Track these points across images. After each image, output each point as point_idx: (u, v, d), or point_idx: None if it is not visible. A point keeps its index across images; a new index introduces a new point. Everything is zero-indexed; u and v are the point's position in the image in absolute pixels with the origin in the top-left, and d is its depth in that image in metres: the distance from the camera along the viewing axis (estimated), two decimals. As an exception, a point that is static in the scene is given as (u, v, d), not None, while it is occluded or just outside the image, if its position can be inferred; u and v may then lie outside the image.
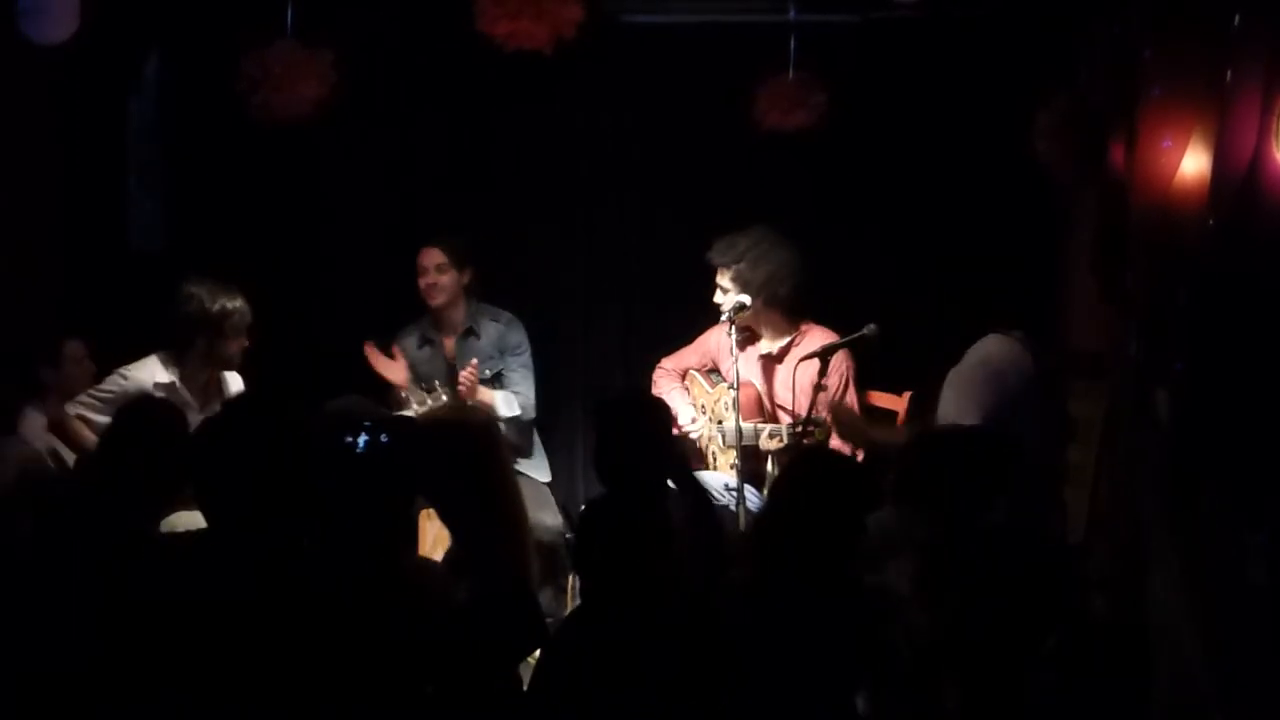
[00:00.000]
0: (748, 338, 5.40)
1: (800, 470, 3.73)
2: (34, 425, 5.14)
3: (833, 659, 3.41)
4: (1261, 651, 3.38)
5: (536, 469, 5.81)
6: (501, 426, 5.62)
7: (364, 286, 6.31)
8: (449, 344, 5.76)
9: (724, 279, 5.33)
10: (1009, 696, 3.11)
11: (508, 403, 5.64)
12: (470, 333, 5.74)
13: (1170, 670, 3.88)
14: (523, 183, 6.33)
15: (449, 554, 3.67)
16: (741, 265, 5.29)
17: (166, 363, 5.15)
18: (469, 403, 5.46)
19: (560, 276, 6.35)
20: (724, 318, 5.27)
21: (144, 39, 6.22)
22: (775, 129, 5.75)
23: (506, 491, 3.62)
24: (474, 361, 5.51)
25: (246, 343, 5.20)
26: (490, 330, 5.76)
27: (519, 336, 5.78)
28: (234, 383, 5.33)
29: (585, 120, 6.34)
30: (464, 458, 3.57)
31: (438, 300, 5.70)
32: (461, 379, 5.41)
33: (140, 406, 4.07)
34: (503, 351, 5.75)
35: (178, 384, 5.12)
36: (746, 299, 5.27)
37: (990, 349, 4.66)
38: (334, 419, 4.12)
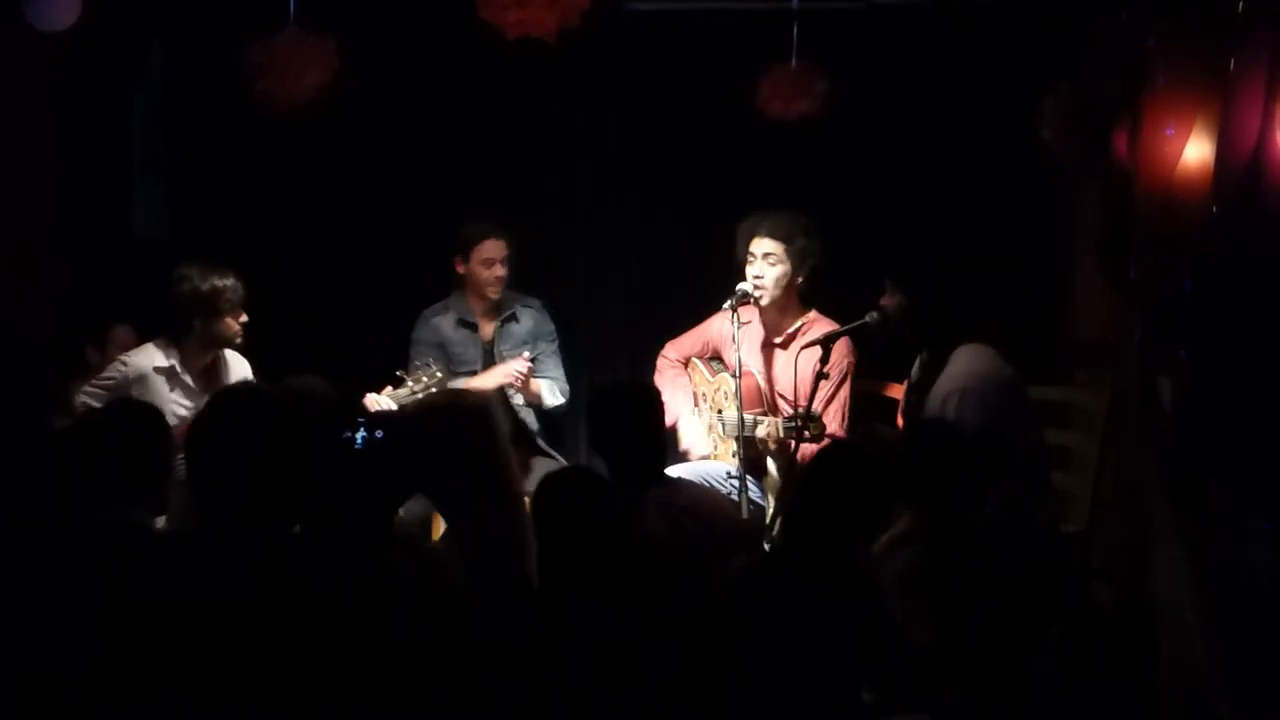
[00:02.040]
0: (751, 325, 5.39)
1: (827, 464, 3.71)
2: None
3: (838, 653, 3.41)
4: (1265, 640, 3.38)
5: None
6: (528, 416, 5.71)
7: (368, 274, 6.32)
8: (487, 329, 5.77)
9: (778, 249, 5.27)
10: (1008, 691, 3.11)
11: (552, 391, 5.74)
12: (511, 318, 5.78)
13: (1174, 659, 3.89)
14: (524, 170, 6.33)
15: (441, 541, 3.66)
16: (803, 242, 5.29)
17: (166, 347, 5.13)
18: (521, 394, 5.59)
19: (562, 265, 6.36)
20: (727, 305, 5.26)
21: (147, 27, 6.22)
22: (777, 117, 5.74)
23: (505, 474, 3.60)
24: (525, 355, 5.59)
25: (245, 317, 5.16)
26: (526, 317, 5.80)
27: (550, 324, 5.86)
28: (236, 364, 5.30)
29: (587, 108, 6.34)
30: (460, 443, 3.54)
31: (498, 293, 5.72)
32: (517, 373, 5.49)
33: (114, 411, 4.07)
34: (536, 338, 5.80)
35: (178, 368, 5.11)
36: (749, 287, 5.26)
37: (973, 366, 4.59)
38: (292, 398, 4.12)
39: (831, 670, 3.40)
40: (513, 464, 3.66)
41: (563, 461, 5.72)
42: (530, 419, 5.76)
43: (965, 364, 4.56)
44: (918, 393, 4.70)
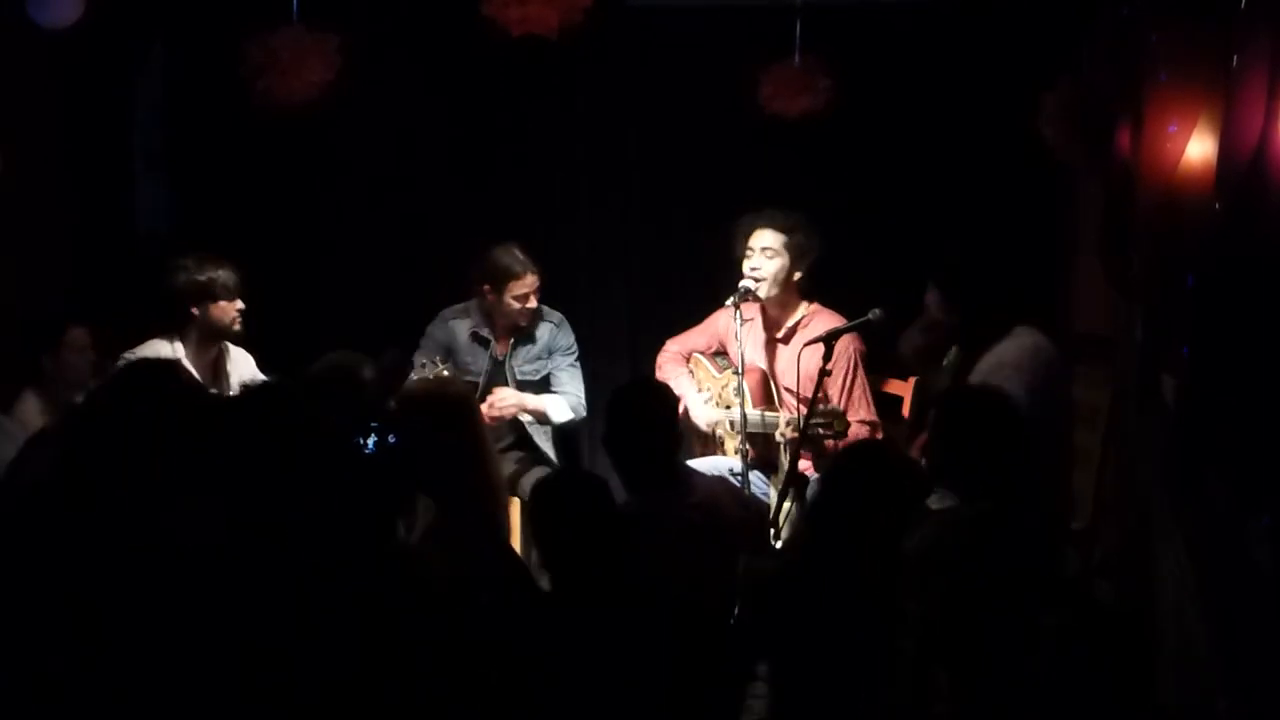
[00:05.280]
0: (754, 322, 5.40)
1: (851, 466, 3.70)
2: (31, 409, 5.14)
3: (860, 654, 3.41)
4: (1265, 634, 3.39)
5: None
6: (545, 429, 5.67)
7: (369, 270, 6.33)
8: (501, 346, 5.67)
9: (775, 243, 5.28)
10: (1009, 688, 3.12)
11: (558, 408, 5.61)
12: (528, 337, 5.68)
13: (1175, 653, 3.90)
14: (527, 167, 6.33)
15: (430, 525, 3.68)
16: (800, 235, 5.30)
17: (170, 341, 5.16)
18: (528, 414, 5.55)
19: (563, 263, 6.36)
20: (729, 302, 5.27)
21: (150, 22, 6.23)
22: (780, 114, 5.74)
23: (484, 463, 3.65)
24: (491, 400, 5.48)
25: (242, 305, 5.18)
26: (544, 331, 5.69)
27: (569, 338, 5.73)
28: (240, 359, 5.32)
29: (589, 105, 6.35)
30: (441, 431, 3.60)
31: (527, 321, 5.64)
32: (492, 416, 5.39)
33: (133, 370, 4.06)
34: (552, 352, 5.70)
35: (184, 362, 5.12)
36: (751, 284, 5.27)
37: (1037, 341, 4.67)
38: (326, 374, 4.13)
39: (854, 672, 3.40)
40: (492, 450, 3.72)
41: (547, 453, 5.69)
42: (539, 435, 5.66)
43: (1025, 341, 4.68)
44: (954, 376, 4.76)
